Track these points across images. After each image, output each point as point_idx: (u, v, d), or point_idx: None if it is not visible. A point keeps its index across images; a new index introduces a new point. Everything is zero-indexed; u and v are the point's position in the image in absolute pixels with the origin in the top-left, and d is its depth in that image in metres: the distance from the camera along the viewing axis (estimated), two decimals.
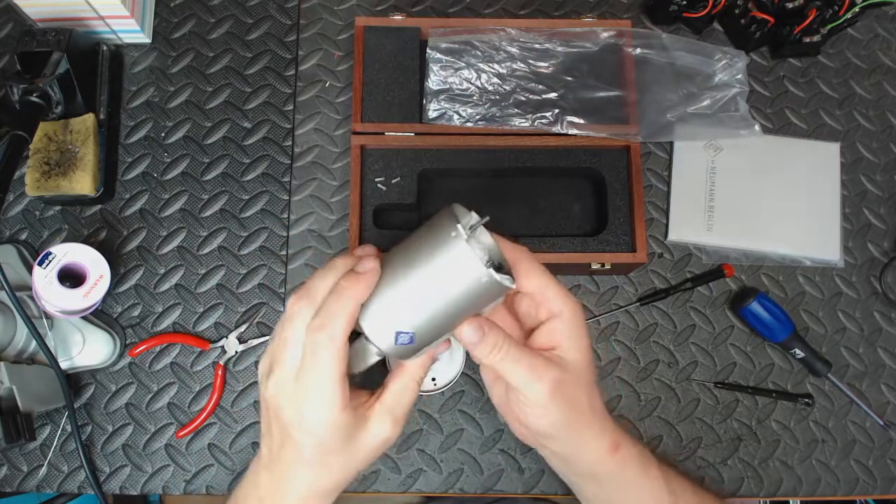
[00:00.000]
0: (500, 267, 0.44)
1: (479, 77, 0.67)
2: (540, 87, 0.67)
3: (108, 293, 0.62)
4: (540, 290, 0.47)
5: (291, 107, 0.72)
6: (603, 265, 0.64)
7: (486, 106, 0.66)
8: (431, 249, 0.41)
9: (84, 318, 0.64)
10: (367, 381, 0.48)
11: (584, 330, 0.48)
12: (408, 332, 0.42)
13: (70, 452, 0.65)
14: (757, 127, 0.68)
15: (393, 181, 0.65)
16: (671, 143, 0.72)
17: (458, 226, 0.40)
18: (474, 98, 0.67)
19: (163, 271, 0.69)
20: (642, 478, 0.51)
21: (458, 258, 0.40)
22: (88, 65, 0.68)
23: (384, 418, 0.45)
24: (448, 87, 0.67)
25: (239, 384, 0.66)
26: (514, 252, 0.46)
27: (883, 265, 0.70)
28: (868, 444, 0.67)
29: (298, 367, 0.43)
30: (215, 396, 0.65)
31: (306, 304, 0.43)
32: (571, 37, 0.68)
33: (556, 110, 0.66)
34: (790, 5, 0.70)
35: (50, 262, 0.59)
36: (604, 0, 0.77)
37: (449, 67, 0.67)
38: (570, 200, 0.68)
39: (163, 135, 0.71)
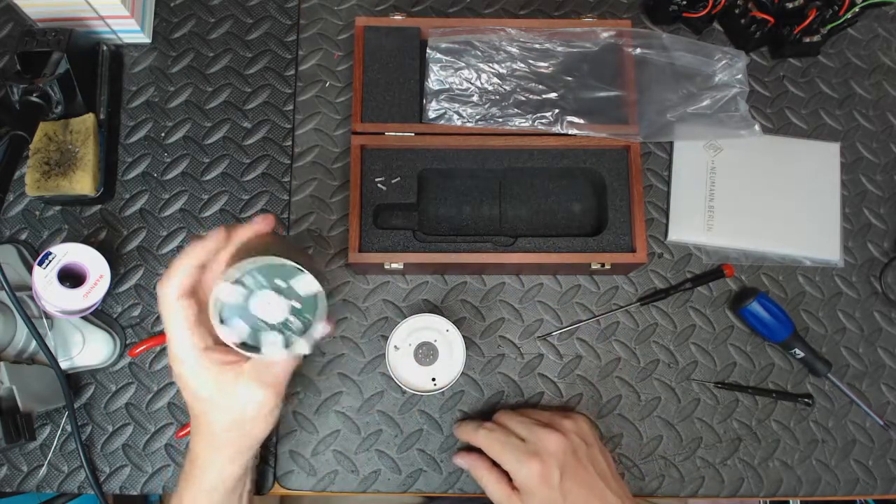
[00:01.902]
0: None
1: (479, 77, 0.67)
2: (540, 87, 0.67)
3: (108, 293, 0.62)
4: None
5: (291, 107, 0.72)
6: (603, 265, 0.64)
7: (486, 106, 0.66)
8: None
9: (84, 318, 0.64)
10: None
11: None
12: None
13: (70, 452, 0.65)
14: (757, 127, 0.68)
15: (393, 181, 0.65)
16: (671, 143, 0.72)
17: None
18: (474, 98, 0.67)
19: (163, 271, 0.68)
20: None
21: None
22: (88, 65, 0.68)
23: (252, 380, 0.48)
24: (448, 87, 0.67)
25: None
26: None
27: (883, 265, 0.70)
28: (868, 444, 0.67)
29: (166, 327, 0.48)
30: None
31: (163, 276, 0.48)
32: (571, 37, 0.68)
33: (556, 110, 0.66)
34: (790, 5, 0.70)
35: (50, 262, 0.59)
36: (604, 0, 0.77)
37: (449, 67, 0.67)
38: (570, 200, 0.68)
39: (163, 135, 0.71)
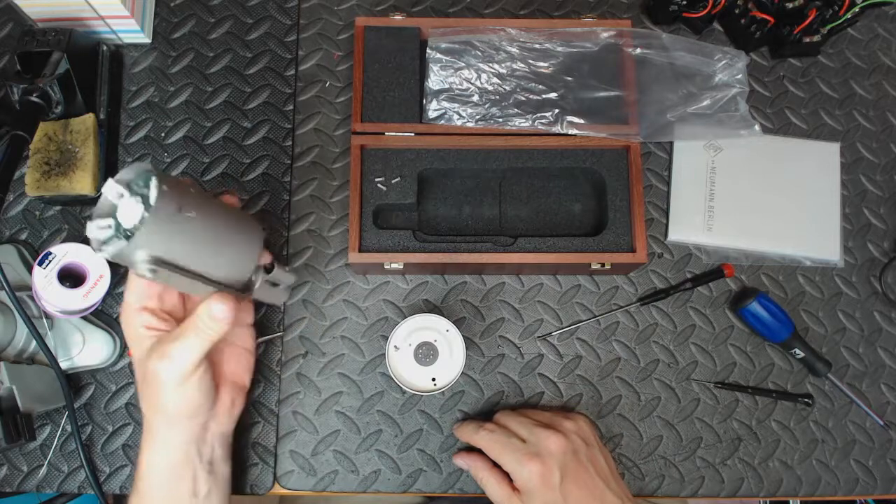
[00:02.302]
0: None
1: (479, 77, 0.67)
2: (540, 87, 0.67)
3: (108, 293, 0.62)
4: None
5: (291, 107, 0.72)
6: (603, 265, 0.64)
7: (486, 106, 0.66)
8: None
9: (84, 318, 0.64)
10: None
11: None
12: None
13: (70, 452, 0.65)
14: (757, 127, 0.68)
15: (393, 181, 0.65)
16: (671, 143, 0.72)
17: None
18: (474, 98, 0.67)
19: None
20: None
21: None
22: (88, 65, 0.68)
23: (153, 352, 0.50)
24: (448, 87, 0.67)
25: None
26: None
27: (883, 265, 0.70)
28: (868, 444, 0.67)
29: None
30: None
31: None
32: (571, 37, 0.68)
33: (556, 110, 0.66)
34: (790, 5, 0.70)
35: (50, 262, 0.59)
36: (604, 0, 0.77)
37: (449, 67, 0.67)
38: (570, 200, 0.68)
39: (163, 135, 0.71)
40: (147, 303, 0.52)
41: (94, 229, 0.44)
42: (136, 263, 0.42)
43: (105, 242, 0.44)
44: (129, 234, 0.44)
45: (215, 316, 0.47)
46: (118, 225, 0.44)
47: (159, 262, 0.43)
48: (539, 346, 0.68)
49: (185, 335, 0.48)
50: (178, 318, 0.54)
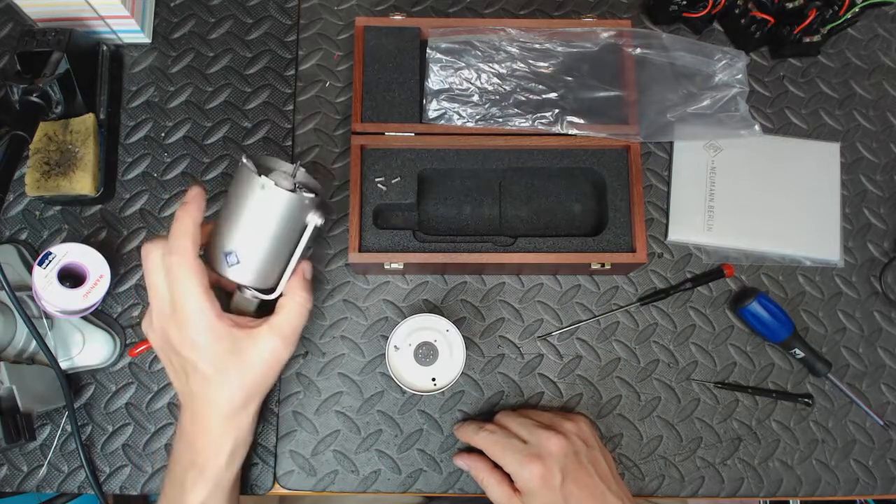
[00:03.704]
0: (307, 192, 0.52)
1: (479, 77, 0.67)
2: (540, 87, 0.67)
3: (108, 293, 0.62)
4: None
5: (291, 107, 0.72)
6: (603, 265, 0.64)
7: (486, 106, 0.66)
8: (232, 187, 0.51)
9: (84, 318, 0.64)
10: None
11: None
12: (231, 252, 0.50)
13: (70, 452, 0.65)
14: (757, 127, 0.68)
15: (393, 181, 0.65)
16: (671, 143, 0.72)
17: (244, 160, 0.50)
18: (474, 98, 0.67)
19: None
20: None
21: (241, 173, 0.50)
22: (88, 65, 0.68)
23: (271, 334, 0.51)
24: (448, 87, 0.67)
25: None
26: None
27: (883, 265, 0.70)
28: (868, 444, 0.67)
29: (168, 296, 0.49)
30: None
31: (154, 244, 0.50)
32: (571, 37, 0.68)
33: (556, 110, 0.66)
34: (790, 5, 0.70)
35: (50, 262, 0.59)
36: (604, 0, 0.77)
37: (449, 67, 0.67)
38: (570, 200, 0.68)
39: (163, 135, 0.71)
40: (218, 307, 0.50)
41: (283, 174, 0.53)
42: (310, 214, 0.51)
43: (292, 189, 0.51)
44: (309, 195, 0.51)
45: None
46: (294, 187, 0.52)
47: (317, 226, 0.52)
48: (539, 346, 0.68)
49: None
50: None
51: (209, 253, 0.52)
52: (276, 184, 0.49)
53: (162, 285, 0.49)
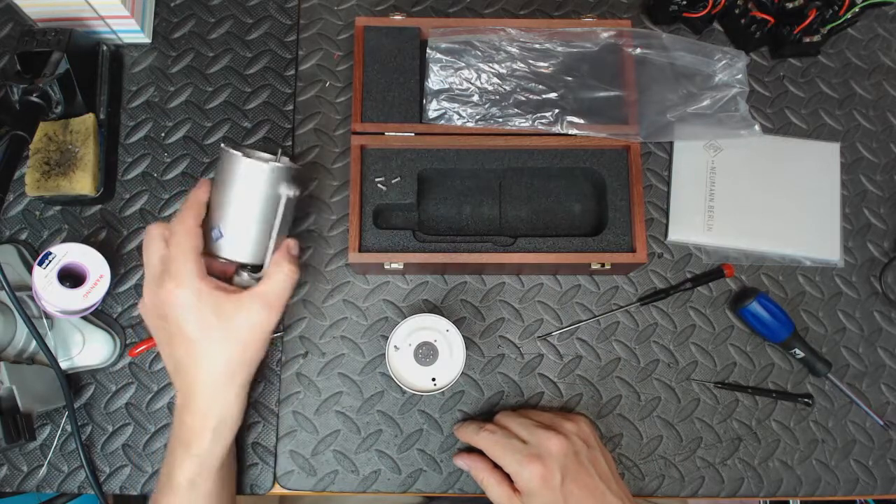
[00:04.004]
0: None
1: (479, 77, 0.67)
2: (540, 87, 0.67)
3: (108, 293, 0.62)
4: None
5: (291, 107, 0.72)
6: (603, 265, 0.64)
7: (486, 106, 0.66)
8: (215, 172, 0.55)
9: (84, 318, 0.64)
10: None
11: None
12: (214, 227, 0.53)
13: (70, 452, 0.65)
14: (757, 127, 0.68)
15: (393, 181, 0.65)
16: (671, 143, 0.72)
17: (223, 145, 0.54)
18: (474, 98, 0.67)
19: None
20: None
21: (223, 154, 0.53)
22: (88, 65, 0.68)
23: (256, 300, 0.52)
24: (448, 87, 0.67)
25: None
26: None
27: (883, 265, 0.70)
28: (868, 444, 0.67)
29: (159, 262, 0.51)
30: None
31: (157, 224, 0.53)
32: (571, 37, 0.68)
33: (556, 110, 0.66)
34: (790, 5, 0.70)
35: (50, 262, 0.59)
36: (604, 0, 0.77)
37: (449, 67, 0.67)
38: (570, 200, 0.68)
39: (163, 135, 0.71)
40: (205, 271, 0.52)
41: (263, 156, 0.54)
42: (283, 186, 0.53)
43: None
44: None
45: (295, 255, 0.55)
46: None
47: (290, 199, 0.53)
48: (539, 346, 0.68)
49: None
50: None
51: (203, 235, 0.54)
52: (243, 154, 0.52)
53: (155, 254, 0.52)
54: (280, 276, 0.53)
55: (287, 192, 0.53)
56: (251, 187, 0.52)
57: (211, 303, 0.50)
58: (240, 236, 0.53)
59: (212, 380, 0.52)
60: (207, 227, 0.54)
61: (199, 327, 0.51)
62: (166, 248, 0.51)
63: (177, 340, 0.52)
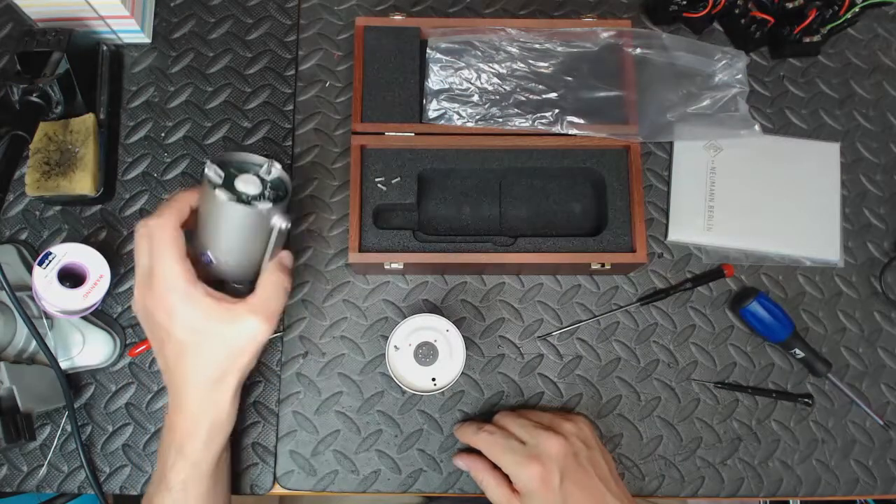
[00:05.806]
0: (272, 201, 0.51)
1: (479, 77, 0.67)
2: (540, 87, 0.67)
3: (108, 293, 0.62)
4: None
5: (291, 107, 0.72)
6: (603, 265, 0.64)
7: (486, 106, 0.66)
8: (200, 192, 0.52)
9: (84, 318, 0.64)
10: None
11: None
12: (204, 253, 0.52)
13: (70, 452, 0.65)
14: (757, 127, 0.68)
15: (393, 181, 0.65)
16: (671, 143, 0.72)
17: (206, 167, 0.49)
18: (474, 98, 0.67)
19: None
20: None
21: (207, 190, 0.49)
22: (88, 65, 0.68)
23: (249, 312, 0.51)
24: (448, 87, 0.67)
25: None
26: None
27: (883, 265, 0.70)
28: (868, 444, 0.67)
29: (147, 263, 0.50)
30: None
31: (144, 222, 0.51)
32: (571, 37, 0.68)
33: (556, 110, 0.66)
34: (790, 5, 0.70)
35: (50, 262, 0.59)
36: (604, 0, 0.77)
37: (449, 67, 0.67)
38: (570, 200, 0.68)
39: (163, 135, 0.72)
40: (195, 275, 0.51)
41: (249, 179, 0.50)
42: (275, 218, 0.50)
43: (254, 197, 0.50)
44: (276, 197, 0.51)
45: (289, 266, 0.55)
46: (264, 187, 0.50)
47: (281, 231, 0.50)
48: (539, 346, 0.68)
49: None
50: None
51: (192, 246, 0.53)
52: (237, 198, 0.48)
53: (144, 254, 0.51)
54: (271, 287, 0.52)
55: (280, 223, 0.50)
56: (242, 227, 0.50)
57: (202, 307, 0.50)
58: (230, 264, 0.52)
59: (202, 382, 0.52)
60: (195, 244, 0.52)
61: (189, 330, 0.50)
62: (148, 237, 0.51)
63: (167, 345, 0.51)
